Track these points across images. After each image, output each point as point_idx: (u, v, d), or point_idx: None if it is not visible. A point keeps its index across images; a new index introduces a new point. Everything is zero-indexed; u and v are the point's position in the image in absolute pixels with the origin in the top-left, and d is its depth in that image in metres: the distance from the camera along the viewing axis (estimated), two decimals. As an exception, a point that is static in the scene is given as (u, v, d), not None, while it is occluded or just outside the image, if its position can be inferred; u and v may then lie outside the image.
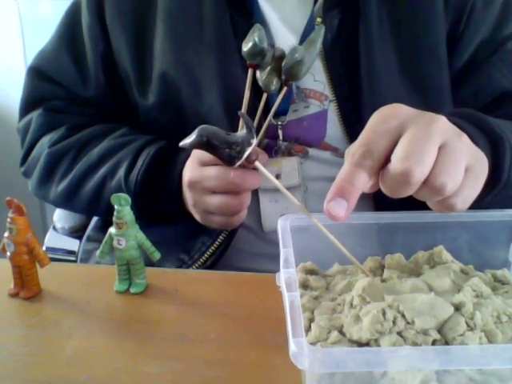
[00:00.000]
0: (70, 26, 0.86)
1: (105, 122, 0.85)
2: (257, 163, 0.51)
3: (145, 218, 0.74)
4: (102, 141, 0.81)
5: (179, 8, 0.78)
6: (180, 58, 0.78)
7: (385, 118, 0.48)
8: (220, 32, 0.76)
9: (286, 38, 0.76)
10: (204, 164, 0.68)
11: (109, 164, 0.78)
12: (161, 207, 0.76)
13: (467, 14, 0.75)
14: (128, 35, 0.80)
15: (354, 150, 0.47)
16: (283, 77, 0.66)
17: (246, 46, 0.65)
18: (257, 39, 0.64)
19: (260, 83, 0.66)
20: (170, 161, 0.74)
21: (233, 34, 0.76)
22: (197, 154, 0.69)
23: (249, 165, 0.52)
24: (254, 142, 0.50)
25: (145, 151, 0.76)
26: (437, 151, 0.46)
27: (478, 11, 0.75)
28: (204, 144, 0.49)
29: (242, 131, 0.51)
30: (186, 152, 0.73)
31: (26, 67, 0.89)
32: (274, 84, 0.65)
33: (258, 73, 0.66)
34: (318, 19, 0.74)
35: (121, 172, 0.76)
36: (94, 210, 0.86)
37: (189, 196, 0.70)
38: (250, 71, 0.66)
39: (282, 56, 0.66)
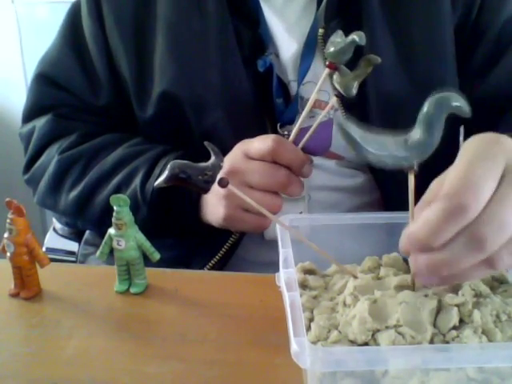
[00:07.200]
0: (73, 31, 0.82)
1: (115, 131, 0.82)
2: (230, 186, 0.51)
3: (156, 229, 0.73)
4: (115, 149, 0.78)
5: (180, 21, 0.75)
6: (182, 74, 0.75)
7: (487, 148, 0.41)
8: (224, 45, 0.73)
9: (289, 46, 0.75)
10: (250, 157, 0.65)
11: (123, 172, 0.76)
12: (176, 219, 0.73)
13: (478, 5, 0.74)
14: (127, 45, 0.77)
15: (447, 190, 0.40)
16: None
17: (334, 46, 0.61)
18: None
19: (338, 86, 0.62)
20: None
21: (237, 46, 0.73)
22: (243, 146, 0.66)
23: (223, 189, 0.52)
24: (224, 165, 0.52)
25: (162, 160, 0.73)
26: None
27: None
28: (178, 176, 0.49)
29: (211, 159, 0.51)
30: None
31: (24, 71, 0.87)
32: (355, 87, 0.62)
33: (336, 75, 0.62)
34: (321, 30, 0.72)
35: (137, 181, 0.74)
36: (107, 220, 0.81)
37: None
38: (327, 71, 0.62)
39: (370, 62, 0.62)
